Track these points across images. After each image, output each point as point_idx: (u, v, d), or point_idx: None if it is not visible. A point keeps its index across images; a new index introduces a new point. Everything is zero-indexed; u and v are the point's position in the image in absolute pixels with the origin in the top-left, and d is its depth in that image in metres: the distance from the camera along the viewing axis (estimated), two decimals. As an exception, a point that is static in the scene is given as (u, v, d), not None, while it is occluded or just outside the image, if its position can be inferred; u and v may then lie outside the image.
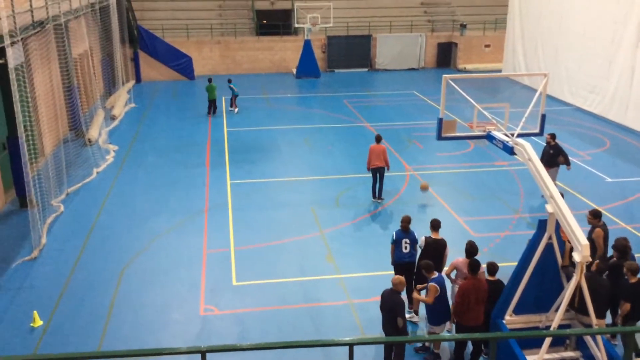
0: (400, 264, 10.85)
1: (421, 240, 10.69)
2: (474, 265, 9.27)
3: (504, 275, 9.72)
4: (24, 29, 15.15)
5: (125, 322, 11.08)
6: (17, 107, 13.87)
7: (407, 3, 39.13)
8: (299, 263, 13.13)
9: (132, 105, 27.87)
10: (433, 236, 10.71)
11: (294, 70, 34.72)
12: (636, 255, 11.67)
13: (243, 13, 37.43)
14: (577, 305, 8.72)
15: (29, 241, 13.92)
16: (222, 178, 18.31)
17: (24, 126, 14.54)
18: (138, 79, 33.29)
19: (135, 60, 33.17)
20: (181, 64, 33.91)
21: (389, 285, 9.32)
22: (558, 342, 9.36)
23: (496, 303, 9.36)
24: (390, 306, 9.11)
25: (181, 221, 15.26)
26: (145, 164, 19.72)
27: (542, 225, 8.83)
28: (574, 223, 8.22)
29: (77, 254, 13.61)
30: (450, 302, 9.97)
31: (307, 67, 33.99)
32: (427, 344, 10.16)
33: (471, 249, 9.86)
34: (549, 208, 8.60)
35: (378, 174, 16.05)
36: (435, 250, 10.52)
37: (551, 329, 8.55)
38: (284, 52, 35.83)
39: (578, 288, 8.30)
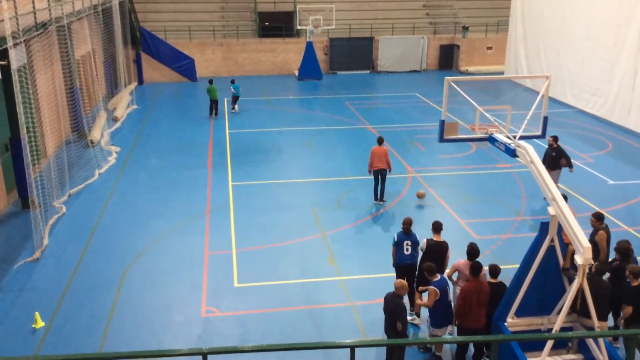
0: (402, 266, 10.85)
1: (423, 243, 10.67)
2: (475, 268, 9.27)
3: (506, 277, 9.70)
4: (27, 30, 15.16)
5: (126, 323, 11.08)
6: (20, 109, 13.88)
7: (409, 5, 39.15)
8: (300, 265, 13.12)
9: (135, 106, 27.89)
10: (435, 238, 10.69)
11: (296, 72, 34.73)
12: (638, 258, 11.66)
13: (245, 15, 37.46)
14: (579, 307, 8.70)
15: (31, 242, 13.93)
16: (224, 179, 18.31)
17: (27, 127, 14.57)
18: (140, 81, 33.34)
19: (138, 61, 33.22)
20: (183, 65, 33.95)
21: (391, 288, 9.31)
22: (560, 345, 9.35)
23: (498, 305, 9.35)
24: (392, 309, 9.11)
25: (183, 222, 15.26)
26: (148, 165, 19.74)
27: (544, 227, 8.82)
28: (576, 225, 8.21)
29: (78, 255, 13.62)
30: (453, 305, 9.96)
31: (309, 69, 33.99)
32: (428, 345, 10.16)
33: (473, 251, 9.86)
34: (551, 210, 8.59)
35: (380, 176, 16.04)
36: (437, 252, 10.49)
37: (553, 331, 8.54)
38: (286, 54, 35.85)
39: (580, 291, 8.29)
